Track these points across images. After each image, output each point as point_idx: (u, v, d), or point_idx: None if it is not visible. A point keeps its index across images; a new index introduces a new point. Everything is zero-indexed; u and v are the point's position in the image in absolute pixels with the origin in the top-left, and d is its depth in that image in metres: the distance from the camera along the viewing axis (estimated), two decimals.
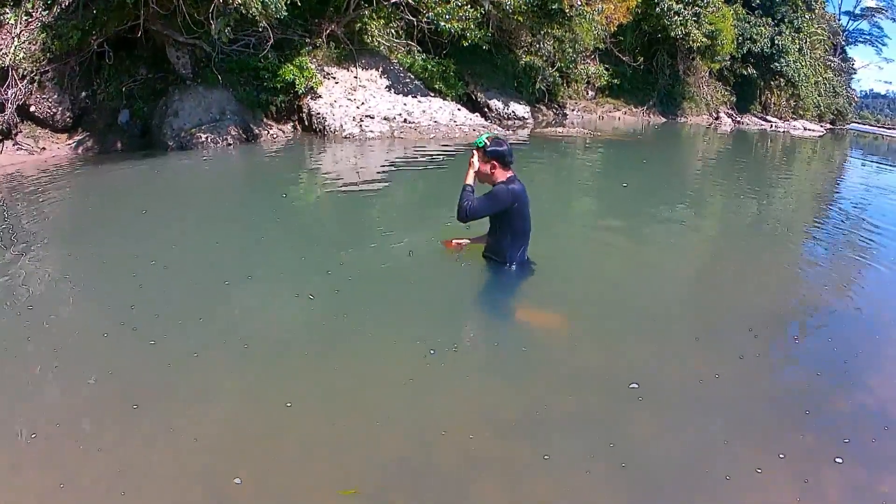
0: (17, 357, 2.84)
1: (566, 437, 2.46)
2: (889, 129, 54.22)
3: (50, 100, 8.39)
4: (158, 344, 2.95)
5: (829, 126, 35.59)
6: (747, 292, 4.29)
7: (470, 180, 3.55)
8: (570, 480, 2.22)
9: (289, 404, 2.52)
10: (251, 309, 3.53)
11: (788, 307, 4.14)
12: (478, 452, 2.32)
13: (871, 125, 58.08)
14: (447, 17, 11.42)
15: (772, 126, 26.69)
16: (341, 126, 10.28)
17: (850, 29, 45.73)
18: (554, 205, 6.91)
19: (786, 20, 25.56)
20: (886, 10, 44.04)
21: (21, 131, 8.23)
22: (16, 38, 8.22)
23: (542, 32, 14.63)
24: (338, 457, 2.27)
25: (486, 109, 14.08)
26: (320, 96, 10.56)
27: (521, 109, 14.64)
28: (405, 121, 11.04)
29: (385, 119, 10.84)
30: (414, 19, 11.84)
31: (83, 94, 8.85)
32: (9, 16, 8.25)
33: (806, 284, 4.62)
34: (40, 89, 8.33)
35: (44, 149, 8.23)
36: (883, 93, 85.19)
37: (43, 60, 8.30)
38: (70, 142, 8.55)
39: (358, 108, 10.75)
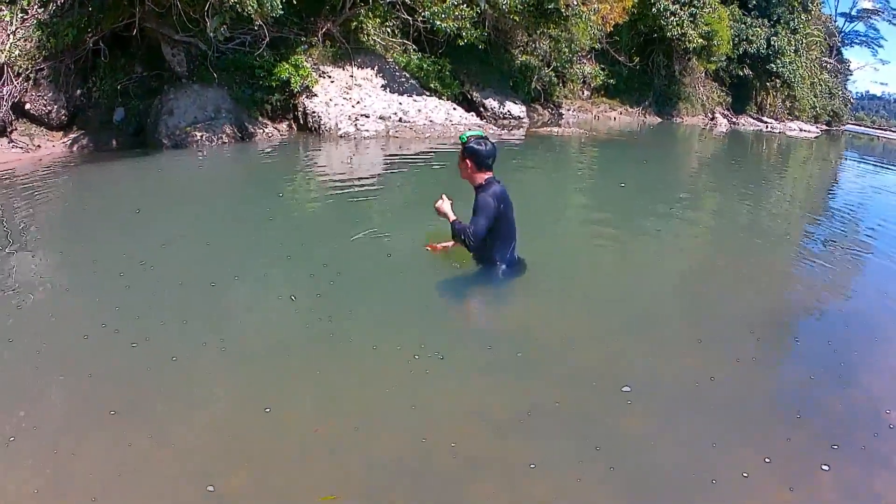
0: None
1: (559, 438, 2.46)
2: (884, 130, 54.37)
3: (45, 97, 8.40)
4: (139, 347, 2.92)
5: (824, 127, 35.62)
6: (744, 293, 4.28)
7: (451, 217, 3.54)
8: (563, 481, 2.23)
9: (268, 409, 2.49)
10: (234, 311, 3.52)
11: (785, 308, 4.14)
12: (472, 453, 2.33)
13: (867, 127, 58.22)
14: (443, 16, 11.43)
15: (767, 127, 26.75)
16: (337, 125, 10.29)
17: (847, 30, 45.79)
18: (549, 204, 6.92)
19: (782, 21, 25.57)
20: (882, 12, 44.14)
21: (16, 129, 8.24)
22: (11, 36, 8.22)
23: (538, 32, 14.64)
24: (324, 461, 2.26)
25: (481, 109, 14.09)
26: (316, 95, 10.56)
27: (516, 109, 14.65)
28: (401, 120, 11.05)
29: (381, 118, 10.85)
30: (410, 18, 11.85)
31: (78, 91, 8.86)
32: (4, 13, 8.26)
33: (803, 285, 4.62)
34: (35, 87, 8.33)
35: (39, 146, 8.23)
36: (878, 94, 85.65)
37: (38, 58, 8.32)
38: (65, 139, 8.55)
39: (353, 107, 10.75)
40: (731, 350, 3.29)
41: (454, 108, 12.26)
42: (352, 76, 11.31)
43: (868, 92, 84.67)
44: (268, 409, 2.49)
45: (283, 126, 10.47)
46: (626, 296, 4.02)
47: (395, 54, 12.56)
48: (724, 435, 2.51)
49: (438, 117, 11.51)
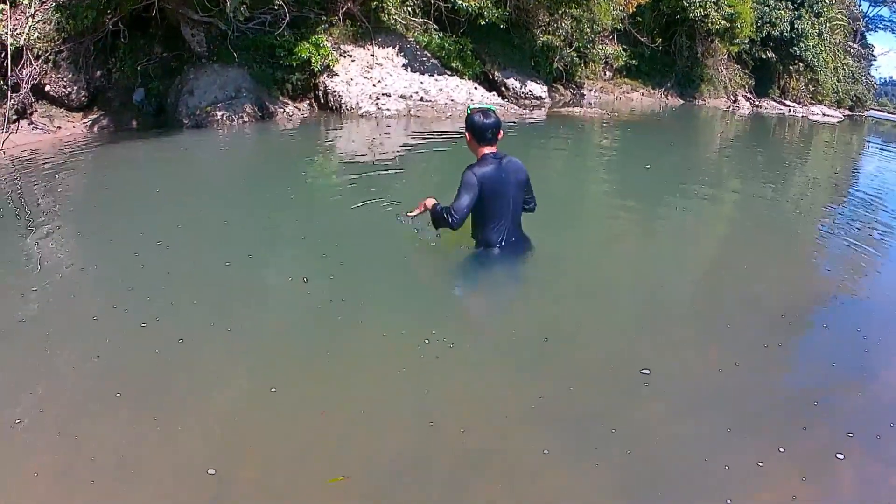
0: (8, 340, 2.79)
1: (574, 424, 2.40)
2: None
3: (65, 79, 8.31)
4: (148, 327, 2.88)
5: (847, 112, 34.80)
6: (767, 280, 4.11)
7: (430, 203, 3.48)
8: (578, 468, 2.18)
9: (273, 389, 2.46)
10: (245, 292, 3.42)
11: (808, 296, 3.97)
12: (483, 439, 2.26)
13: (891, 113, 56.97)
14: None
15: (790, 111, 26.14)
16: (357, 104, 10.10)
17: (871, 15, 44.59)
18: (569, 186, 6.73)
19: (806, 4, 24.95)
20: None
21: (36, 111, 8.15)
22: (30, 19, 8.12)
23: (560, 12, 14.38)
24: (332, 448, 2.19)
25: (503, 88, 13.81)
26: (336, 74, 10.38)
27: (538, 89, 14.36)
28: (422, 99, 10.85)
29: (402, 97, 10.65)
30: None
31: (98, 73, 8.77)
32: None
33: (826, 272, 4.45)
34: (55, 69, 8.24)
35: (59, 128, 8.14)
36: None
37: (58, 40, 8.22)
38: (85, 120, 8.45)
39: (374, 86, 10.56)
40: (757, 336, 3.19)
41: (475, 88, 12.02)
42: (373, 55, 11.11)
43: (892, 78, 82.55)
44: (273, 390, 2.43)
45: (304, 105, 10.30)
46: (648, 282, 3.87)
47: (415, 34, 12.33)
48: (741, 422, 2.46)
49: (460, 97, 11.28)
